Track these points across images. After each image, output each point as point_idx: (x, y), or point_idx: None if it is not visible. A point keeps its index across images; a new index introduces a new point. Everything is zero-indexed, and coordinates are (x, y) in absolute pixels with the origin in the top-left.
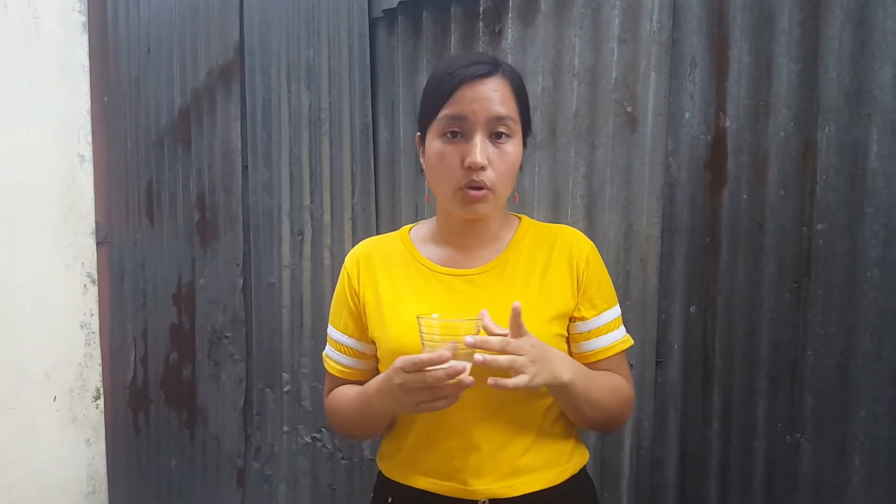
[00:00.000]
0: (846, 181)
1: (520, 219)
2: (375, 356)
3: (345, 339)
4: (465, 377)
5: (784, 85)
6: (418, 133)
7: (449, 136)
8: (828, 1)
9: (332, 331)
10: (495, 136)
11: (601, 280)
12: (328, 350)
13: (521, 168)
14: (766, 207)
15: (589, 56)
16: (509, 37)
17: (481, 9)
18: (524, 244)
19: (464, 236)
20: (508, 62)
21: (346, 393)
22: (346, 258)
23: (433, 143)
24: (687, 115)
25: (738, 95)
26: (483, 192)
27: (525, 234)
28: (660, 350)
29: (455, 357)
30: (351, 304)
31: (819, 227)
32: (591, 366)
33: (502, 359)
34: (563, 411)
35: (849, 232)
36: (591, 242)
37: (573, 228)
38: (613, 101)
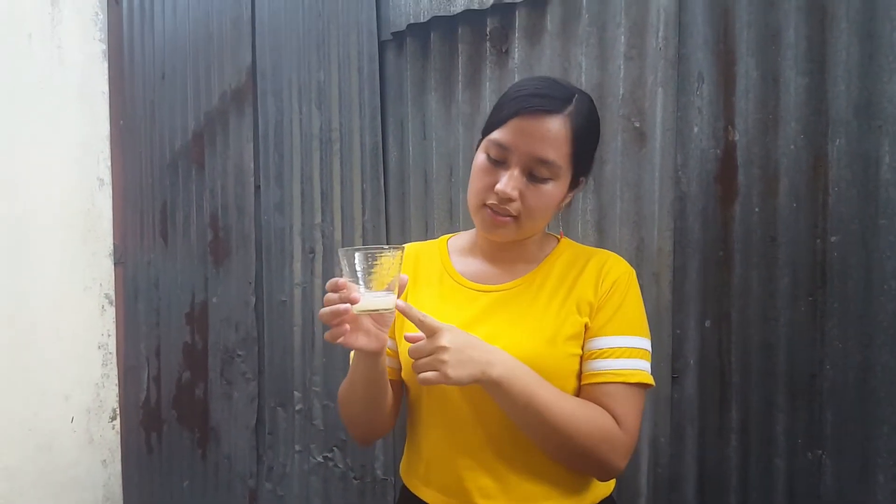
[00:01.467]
0: (858, 193)
1: (559, 239)
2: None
3: None
4: (356, 299)
5: (792, 98)
6: (480, 138)
7: (492, 156)
8: (834, 15)
9: None
10: (536, 175)
11: (628, 305)
12: None
13: (569, 204)
14: (778, 220)
15: (596, 73)
16: (516, 56)
17: (488, 29)
18: (557, 264)
19: (498, 250)
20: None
21: None
22: None
23: (479, 155)
24: (696, 129)
25: (746, 109)
26: (506, 219)
27: (561, 255)
28: (675, 365)
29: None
30: None
31: (833, 239)
32: (591, 388)
33: (415, 316)
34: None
35: (863, 243)
36: (630, 269)
37: (613, 253)
38: (621, 117)
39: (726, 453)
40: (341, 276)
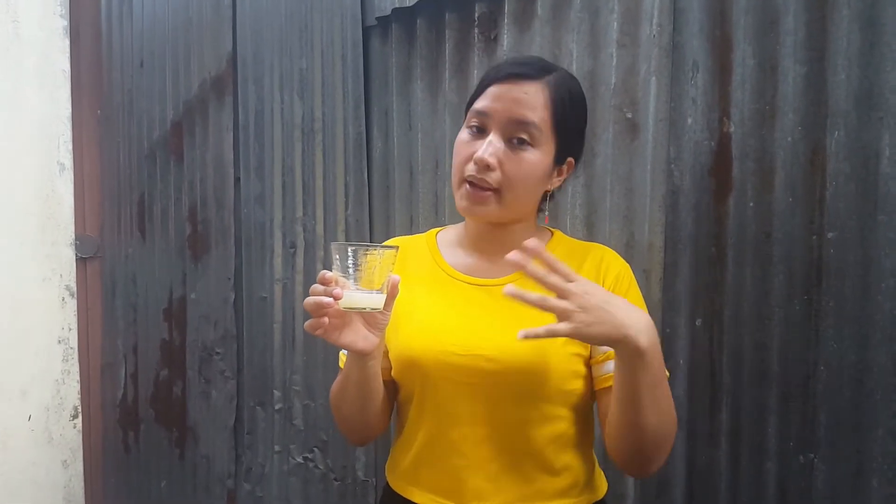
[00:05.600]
0: (857, 187)
1: (552, 233)
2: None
3: None
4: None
5: (790, 88)
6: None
7: (473, 129)
8: (835, 1)
9: None
10: (516, 142)
11: (633, 301)
12: None
13: (555, 190)
14: (773, 215)
15: (587, 61)
16: (505, 43)
17: (476, 15)
18: None
19: (488, 243)
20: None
21: None
22: None
23: (460, 134)
24: (689, 120)
25: (742, 100)
26: (486, 193)
27: (555, 249)
28: (665, 365)
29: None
30: None
31: (829, 235)
32: (606, 391)
33: (533, 296)
34: (618, 406)
35: (861, 240)
36: (626, 264)
37: (608, 248)
38: (613, 108)
39: (716, 456)
40: (332, 269)
